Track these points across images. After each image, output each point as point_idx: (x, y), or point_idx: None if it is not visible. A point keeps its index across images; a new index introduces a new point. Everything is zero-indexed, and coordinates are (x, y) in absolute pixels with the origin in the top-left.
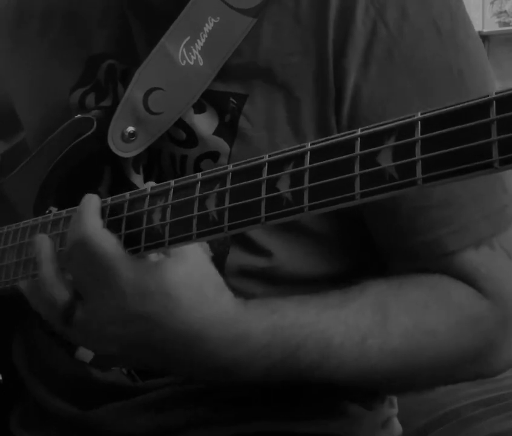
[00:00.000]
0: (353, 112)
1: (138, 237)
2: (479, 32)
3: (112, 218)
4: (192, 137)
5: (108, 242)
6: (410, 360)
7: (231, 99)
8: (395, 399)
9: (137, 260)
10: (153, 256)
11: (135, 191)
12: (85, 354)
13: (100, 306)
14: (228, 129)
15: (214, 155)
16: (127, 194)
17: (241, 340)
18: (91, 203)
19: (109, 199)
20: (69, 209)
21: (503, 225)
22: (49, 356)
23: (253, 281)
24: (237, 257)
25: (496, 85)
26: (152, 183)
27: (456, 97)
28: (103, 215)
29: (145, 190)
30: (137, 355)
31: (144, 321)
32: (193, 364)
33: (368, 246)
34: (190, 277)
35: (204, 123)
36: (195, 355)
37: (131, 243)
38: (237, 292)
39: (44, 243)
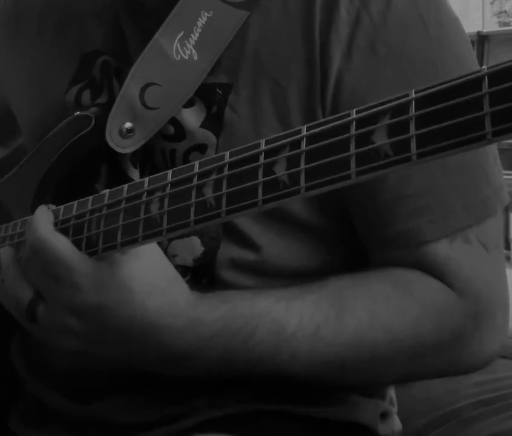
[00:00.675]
0: (335, 102)
1: (136, 227)
2: (479, 32)
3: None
4: (180, 131)
5: (60, 243)
6: (365, 353)
7: (217, 89)
8: (394, 398)
9: (92, 258)
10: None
11: (131, 183)
12: None
13: (59, 302)
14: (214, 120)
15: (202, 148)
16: (124, 188)
17: (192, 328)
18: (41, 211)
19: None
20: (25, 218)
21: (483, 217)
22: (47, 352)
23: (245, 274)
24: (228, 251)
25: None
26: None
27: None
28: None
29: (143, 183)
30: (96, 346)
31: (100, 312)
32: (149, 353)
33: (358, 241)
34: (143, 270)
35: (192, 117)
36: (149, 344)
37: (130, 233)
38: (230, 286)
39: (5, 251)
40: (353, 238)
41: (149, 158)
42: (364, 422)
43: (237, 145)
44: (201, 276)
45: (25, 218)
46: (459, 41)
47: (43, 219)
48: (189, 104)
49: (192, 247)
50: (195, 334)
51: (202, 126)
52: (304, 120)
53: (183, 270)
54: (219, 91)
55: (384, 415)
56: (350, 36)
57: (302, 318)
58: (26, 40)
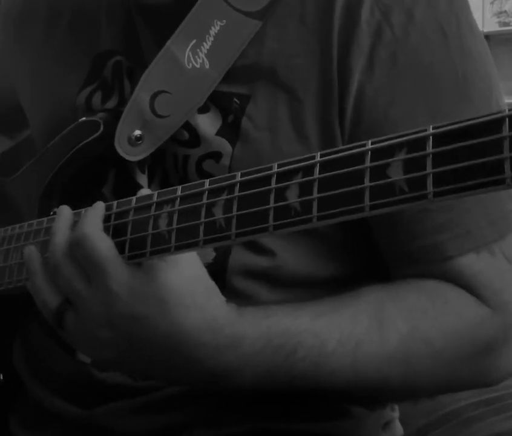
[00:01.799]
0: (356, 115)
1: (143, 243)
2: None
3: (116, 223)
4: (195, 137)
5: (103, 243)
6: (406, 367)
7: (234, 99)
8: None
9: (130, 264)
10: (148, 262)
11: (139, 197)
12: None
13: (91, 309)
14: (231, 129)
15: (217, 156)
16: (133, 200)
17: (231, 346)
18: (97, 207)
19: (115, 203)
20: (49, 217)
21: (506, 231)
22: (49, 357)
23: (258, 281)
24: (241, 257)
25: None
26: (146, 190)
27: (460, 103)
28: (108, 220)
29: (152, 196)
30: (129, 359)
31: (134, 323)
32: (182, 369)
33: (373, 249)
34: (180, 283)
35: (207, 124)
36: (184, 360)
37: (135, 248)
38: (241, 294)
39: (31, 254)
40: (368, 249)
41: (160, 163)
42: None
43: (252, 155)
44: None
45: (51, 217)
46: (480, 53)
47: (95, 215)
48: (204, 110)
49: (204, 252)
50: (235, 352)
51: (218, 134)
52: (320, 132)
53: None
54: (237, 101)
55: (386, 423)
56: (371, 48)
57: (343, 333)
58: (35, 39)
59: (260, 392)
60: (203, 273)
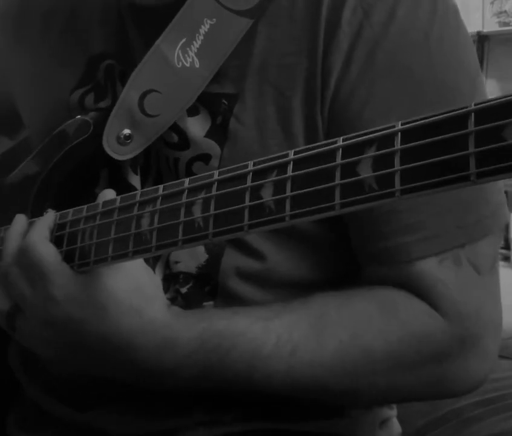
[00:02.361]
0: (332, 113)
1: (126, 242)
2: (479, 32)
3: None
4: (184, 140)
5: (46, 250)
6: (343, 374)
7: (223, 100)
8: None
9: (73, 271)
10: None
11: (124, 195)
12: None
13: (34, 311)
14: (219, 130)
15: (206, 158)
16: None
17: (166, 347)
18: (47, 217)
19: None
20: (6, 227)
21: (476, 237)
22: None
23: (250, 283)
24: (233, 259)
25: (495, 85)
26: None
27: (438, 106)
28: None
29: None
30: (71, 359)
31: (74, 326)
32: (123, 370)
33: None
34: (119, 288)
35: (197, 126)
36: (123, 361)
37: (121, 247)
38: (234, 295)
39: None
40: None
41: (154, 163)
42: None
43: (241, 155)
44: (205, 283)
45: (7, 226)
46: (463, 55)
47: (42, 225)
48: (194, 113)
49: (196, 254)
50: (171, 353)
51: (207, 136)
52: (306, 131)
53: (185, 277)
54: (225, 102)
55: (383, 421)
56: (350, 47)
57: (279, 339)
58: (31, 40)
59: (204, 391)
60: (146, 279)
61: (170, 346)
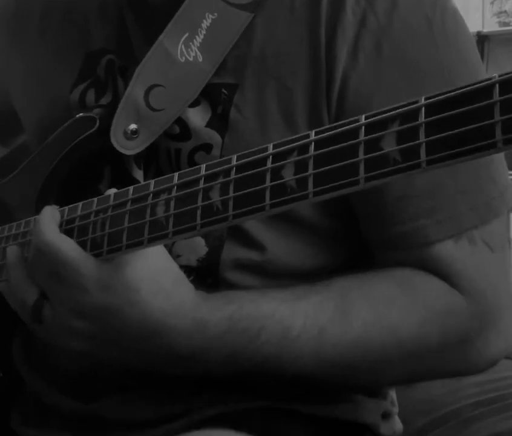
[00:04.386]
0: (340, 102)
1: (141, 229)
2: (479, 32)
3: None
4: (186, 131)
5: (65, 245)
6: (370, 354)
7: (223, 90)
8: (395, 399)
9: (97, 259)
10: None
11: (136, 186)
12: None
13: (65, 303)
14: (220, 120)
15: (207, 147)
16: (130, 189)
17: (197, 329)
18: (47, 212)
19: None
20: (28, 218)
21: (488, 217)
22: (48, 351)
23: (249, 275)
24: (233, 251)
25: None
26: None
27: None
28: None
29: (148, 186)
30: (102, 348)
31: (106, 313)
32: (154, 354)
33: (361, 240)
34: (148, 271)
35: (198, 116)
36: (155, 345)
37: (135, 235)
38: (234, 286)
39: (12, 251)
40: (357, 238)
41: (154, 158)
42: (367, 422)
43: (242, 144)
44: (206, 276)
45: (29, 218)
46: (464, 42)
47: (49, 221)
48: (195, 104)
49: (196, 248)
50: (201, 335)
51: (207, 125)
52: (309, 120)
53: (187, 270)
54: (225, 91)
55: (386, 416)
56: (355, 37)
57: (307, 320)
58: (28, 39)
59: (229, 374)
60: (171, 264)
61: (201, 329)
